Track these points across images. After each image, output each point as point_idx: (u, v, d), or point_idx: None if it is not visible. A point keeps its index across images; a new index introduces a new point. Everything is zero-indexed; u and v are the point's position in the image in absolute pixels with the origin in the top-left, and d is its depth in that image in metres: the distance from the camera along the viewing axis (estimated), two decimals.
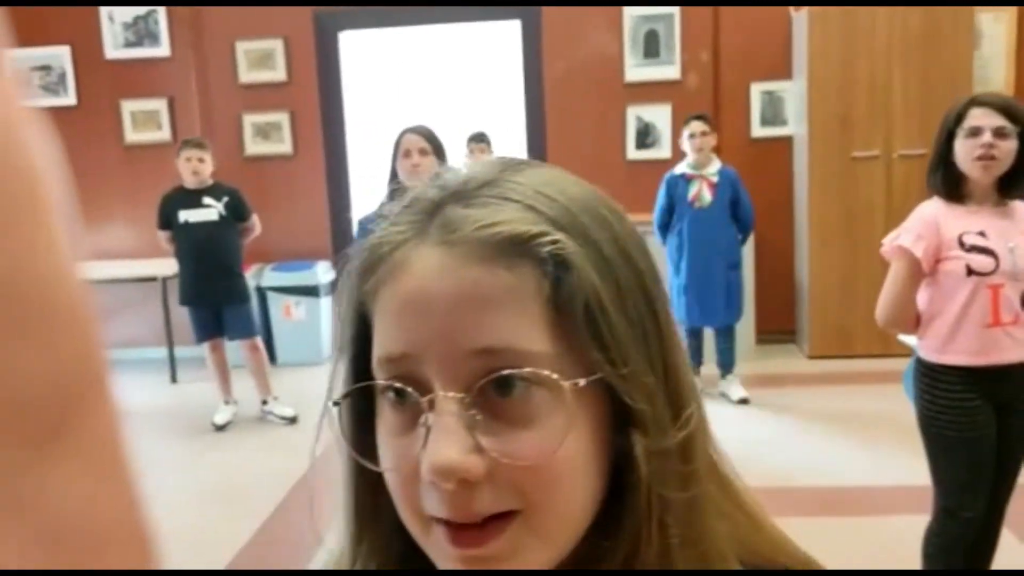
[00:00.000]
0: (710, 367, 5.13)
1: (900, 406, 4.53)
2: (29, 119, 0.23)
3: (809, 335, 5.73)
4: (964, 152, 2.23)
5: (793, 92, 5.86)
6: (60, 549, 0.21)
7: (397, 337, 0.47)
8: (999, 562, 2.54)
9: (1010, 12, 5.72)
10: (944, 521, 2.40)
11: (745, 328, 5.63)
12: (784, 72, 5.87)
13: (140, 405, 5.46)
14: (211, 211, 4.75)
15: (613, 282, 0.49)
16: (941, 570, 2.39)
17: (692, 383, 0.54)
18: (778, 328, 5.99)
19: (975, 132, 2.21)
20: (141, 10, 6.21)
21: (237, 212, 4.86)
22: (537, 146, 6.17)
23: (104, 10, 6.21)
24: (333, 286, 6.16)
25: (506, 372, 0.46)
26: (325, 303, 6.16)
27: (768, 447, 4.31)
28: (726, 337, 5.01)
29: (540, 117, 6.12)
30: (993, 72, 5.78)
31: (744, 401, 4.91)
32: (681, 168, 4.94)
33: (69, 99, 6.36)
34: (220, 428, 4.87)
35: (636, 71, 5.99)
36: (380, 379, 0.49)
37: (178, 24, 6.22)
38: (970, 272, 2.21)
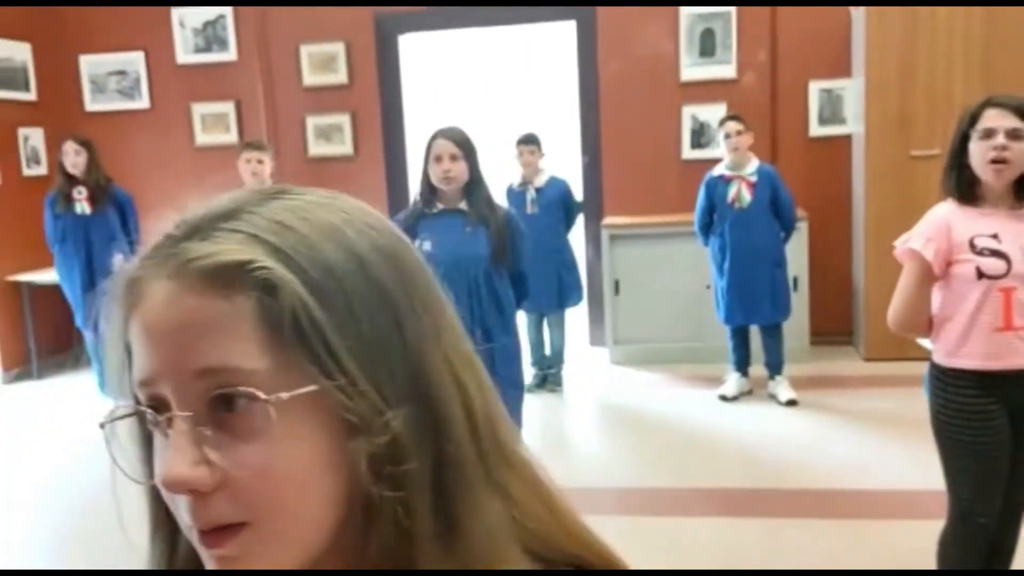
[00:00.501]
0: (758, 368, 5.09)
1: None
2: None
3: (865, 337, 5.63)
4: (978, 154, 2.20)
5: (852, 90, 5.76)
6: None
7: (140, 364, 0.54)
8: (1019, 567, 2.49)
9: None
10: (958, 526, 2.37)
11: (798, 329, 5.57)
12: (843, 70, 5.77)
13: None
14: None
15: (336, 301, 0.53)
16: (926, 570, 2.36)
17: (450, 391, 0.56)
18: (836, 330, 5.90)
19: (989, 134, 2.18)
20: (210, 16, 6.46)
21: None
22: (592, 146, 6.21)
23: (176, 16, 6.47)
24: None
25: (221, 390, 0.51)
26: None
27: (809, 450, 4.28)
28: (773, 337, 4.96)
29: (595, 117, 6.15)
30: None
31: (792, 403, 4.86)
32: (719, 169, 4.92)
33: (143, 103, 6.65)
34: None
35: (692, 70, 5.97)
36: (141, 401, 0.54)
37: (245, 29, 6.45)
38: (981, 275, 2.18)
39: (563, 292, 5.23)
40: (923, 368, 5.38)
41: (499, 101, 6.21)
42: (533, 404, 5.25)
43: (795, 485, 3.89)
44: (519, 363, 3.36)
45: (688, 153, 6.02)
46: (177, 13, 6.49)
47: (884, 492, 3.79)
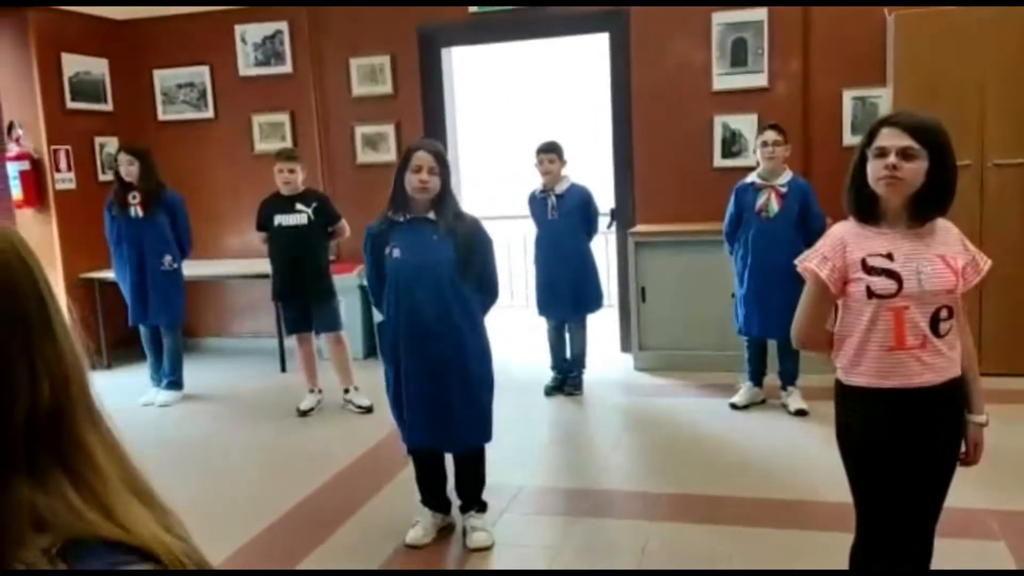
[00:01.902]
0: (774, 377, 5.10)
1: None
2: None
3: None
4: (872, 172, 2.25)
5: (887, 98, 5.67)
6: None
7: None
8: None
9: None
10: (864, 539, 2.42)
11: None
12: (878, 78, 5.70)
13: (250, 390, 6.07)
14: (301, 216, 5.23)
15: None
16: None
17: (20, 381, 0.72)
18: None
19: (882, 153, 2.23)
20: (269, 31, 6.84)
21: (325, 217, 5.31)
22: (623, 154, 6.30)
23: (238, 32, 6.88)
24: None
25: None
26: None
27: (810, 460, 4.28)
28: (788, 348, 4.95)
29: (627, 126, 6.24)
30: None
31: (802, 413, 4.87)
32: (751, 177, 4.95)
33: (208, 113, 7.09)
34: (303, 414, 5.35)
35: (723, 80, 6.00)
36: None
37: (300, 43, 6.80)
38: (871, 295, 2.23)
39: (580, 299, 5.35)
40: None
41: (535, 110, 6.36)
42: (550, 407, 5.40)
43: (790, 495, 3.91)
44: (489, 362, 3.51)
45: (719, 162, 6.05)
46: (239, 29, 6.89)
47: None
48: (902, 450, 2.27)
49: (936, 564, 3.14)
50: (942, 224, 2.33)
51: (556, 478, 4.32)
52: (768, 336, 4.98)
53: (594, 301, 5.42)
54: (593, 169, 6.02)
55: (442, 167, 3.38)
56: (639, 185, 6.28)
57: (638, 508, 3.89)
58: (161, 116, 7.19)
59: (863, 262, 2.25)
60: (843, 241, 2.30)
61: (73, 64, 6.64)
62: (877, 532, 2.38)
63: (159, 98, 7.17)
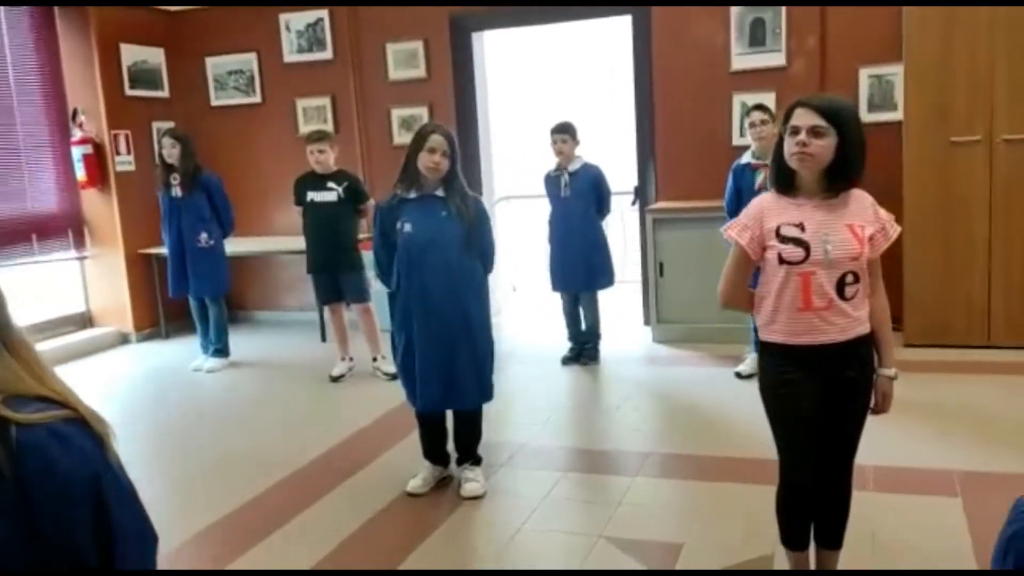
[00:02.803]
0: None
1: (958, 396, 4.59)
2: None
3: (905, 323, 5.66)
4: (786, 149, 2.47)
5: (902, 75, 5.75)
6: None
7: None
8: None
9: None
10: (782, 488, 2.66)
11: None
12: (895, 55, 5.76)
13: (290, 358, 6.50)
14: (332, 194, 5.59)
15: None
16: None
17: None
18: None
19: (794, 131, 2.44)
20: (311, 19, 7.21)
21: (355, 195, 5.66)
22: (646, 134, 6.50)
23: (282, 20, 7.27)
24: None
25: None
26: None
27: None
28: None
29: (649, 105, 6.44)
30: None
31: None
32: (746, 158, 5.12)
33: (256, 98, 7.51)
34: (335, 380, 5.74)
35: (742, 59, 6.15)
36: None
37: (339, 30, 7.15)
38: (781, 261, 2.45)
39: (591, 274, 5.60)
40: (960, 355, 5.42)
41: (563, 91, 6.59)
42: (567, 375, 5.68)
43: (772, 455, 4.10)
44: (490, 330, 3.81)
45: (738, 140, 6.20)
46: (284, 18, 7.28)
47: (866, 466, 3.91)
48: (813, 400, 2.50)
49: (887, 516, 3.36)
50: (856, 194, 2.52)
51: (557, 438, 4.60)
52: None
53: (604, 277, 5.65)
54: (617, 148, 6.22)
55: (452, 150, 3.66)
56: (661, 163, 6.47)
57: (627, 465, 4.14)
58: (213, 101, 7.64)
59: (777, 231, 2.47)
60: (762, 211, 2.53)
61: (131, 54, 7.12)
62: (795, 476, 2.61)
63: (211, 84, 7.63)
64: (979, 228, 5.40)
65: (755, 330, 5.21)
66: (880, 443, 4.10)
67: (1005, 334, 5.43)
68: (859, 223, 2.46)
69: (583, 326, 5.85)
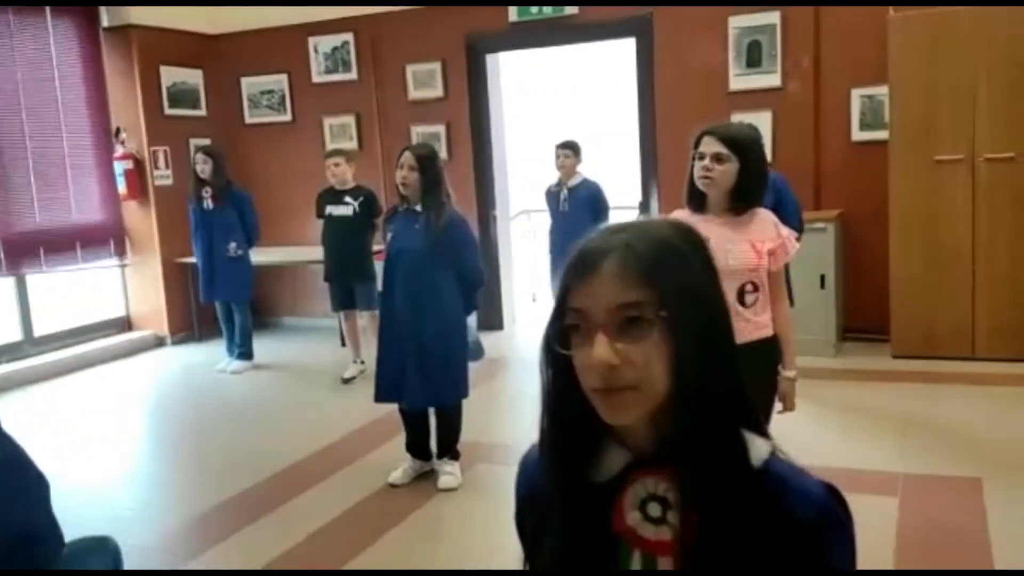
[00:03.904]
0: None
1: (928, 405, 4.80)
2: None
3: (892, 334, 5.84)
4: (695, 172, 2.76)
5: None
6: None
7: None
8: None
9: None
10: None
11: (825, 324, 5.89)
12: (884, 76, 5.95)
13: (309, 362, 6.90)
14: (348, 207, 5.99)
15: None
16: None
17: None
18: (874, 327, 6.11)
19: (701, 156, 2.73)
20: (337, 42, 7.65)
21: (370, 209, 6.05)
22: (649, 150, 6.77)
23: (311, 44, 7.72)
24: None
25: None
26: None
27: (772, 427, 4.69)
28: None
29: (652, 124, 6.71)
30: None
31: None
32: None
33: (287, 116, 7.97)
34: (346, 381, 6.11)
35: (740, 80, 6.39)
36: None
37: (363, 52, 7.57)
38: None
39: None
40: (944, 366, 5.58)
41: (574, 110, 6.90)
42: None
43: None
44: (450, 339, 4.06)
45: None
46: (312, 41, 7.73)
47: (833, 469, 4.14)
48: None
49: None
50: (761, 213, 2.80)
51: None
52: None
53: None
54: (623, 164, 6.51)
55: (423, 165, 3.99)
56: (663, 179, 6.73)
57: None
58: (247, 119, 8.12)
59: None
60: None
61: (170, 75, 7.63)
62: None
63: (245, 103, 8.11)
64: (962, 244, 5.56)
65: None
66: (837, 446, 4.36)
67: (988, 347, 5.58)
68: (759, 239, 2.74)
69: None
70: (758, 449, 1.08)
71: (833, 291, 5.91)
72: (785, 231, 2.81)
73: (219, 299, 6.61)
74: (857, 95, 6.12)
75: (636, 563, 1.09)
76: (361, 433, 5.07)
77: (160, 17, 7.48)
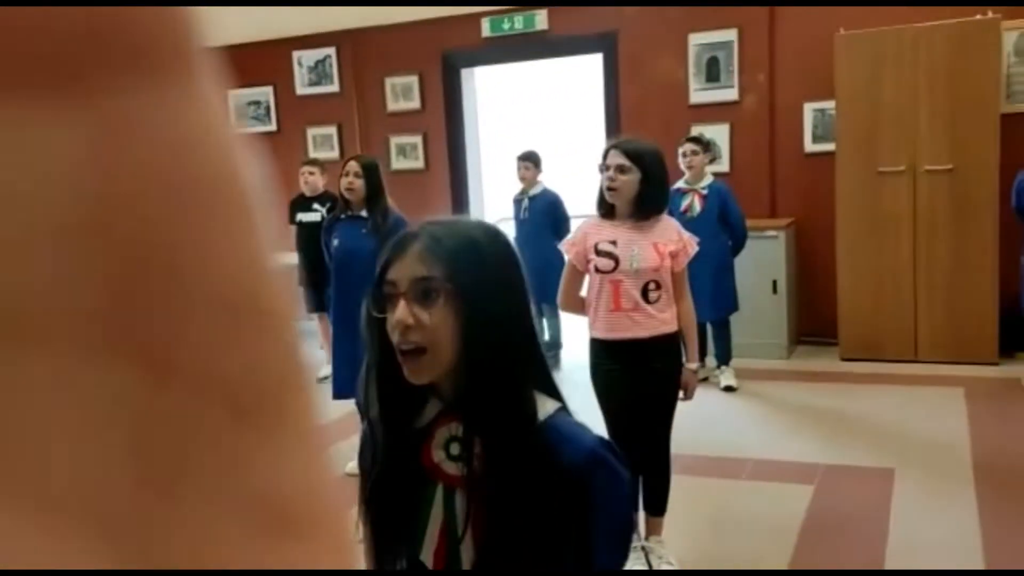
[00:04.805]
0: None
1: (863, 404, 5.06)
2: (236, 132, 0.21)
3: (840, 338, 6.11)
4: (602, 183, 3.05)
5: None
6: (271, 526, 0.20)
7: None
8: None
9: None
10: None
11: (777, 329, 6.18)
12: (833, 91, 6.24)
13: None
14: (316, 214, 6.28)
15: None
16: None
17: None
18: (824, 331, 6.38)
19: (607, 168, 3.02)
20: (320, 56, 7.96)
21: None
22: None
23: (295, 57, 8.04)
24: None
25: None
26: None
27: (717, 424, 4.97)
28: (720, 331, 5.65)
29: (616, 135, 6.99)
30: None
31: (730, 388, 5.53)
32: (679, 184, 5.66)
33: (272, 126, 8.29)
34: (321, 380, 6.38)
35: (699, 94, 6.69)
36: None
37: (345, 66, 7.89)
38: (597, 270, 3.02)
39: (544, 290, 6.15)
40: (888, 368, 5.83)
41: (540, 121, 7.21)
42: None
43: (701, 452, 4.58)
44: None
45: None
46: (296, 54, 8.04)
47: (764, 461, 4.37)
48: (627, 386, 3.05)
49: (747, 497, 3.87)
50: (665, 220, 3.09)
51: None
52: (698, 319, 5.64)
53: (554, 293, 6.22)
54: (592, 175, 6.79)
55: (367, 173, 4.31)
56: None
57: None
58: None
59: (595, 246, 3.04)
60: (585, 231, 3.11)
61: None
62: (618, 449, 3.15)
63: (232, 115, 8.40)
64: (905, 251, 5.83)
65: (715, 344, 5.75)
66: (773, 440, 4.64)
67: (931, 350, 5.85)
68: (662, 242, 3.02)
69: (546, 336, 6.41)
70: (544, 406, 1.37)
71: (785, 296, 6.18)
72: (687, 236, 3.10)
73: None
74: (809, 109, 6.40)
75: (439, 494, 1.38)
76: (330, 426, 5.34)
77: None
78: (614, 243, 3.02)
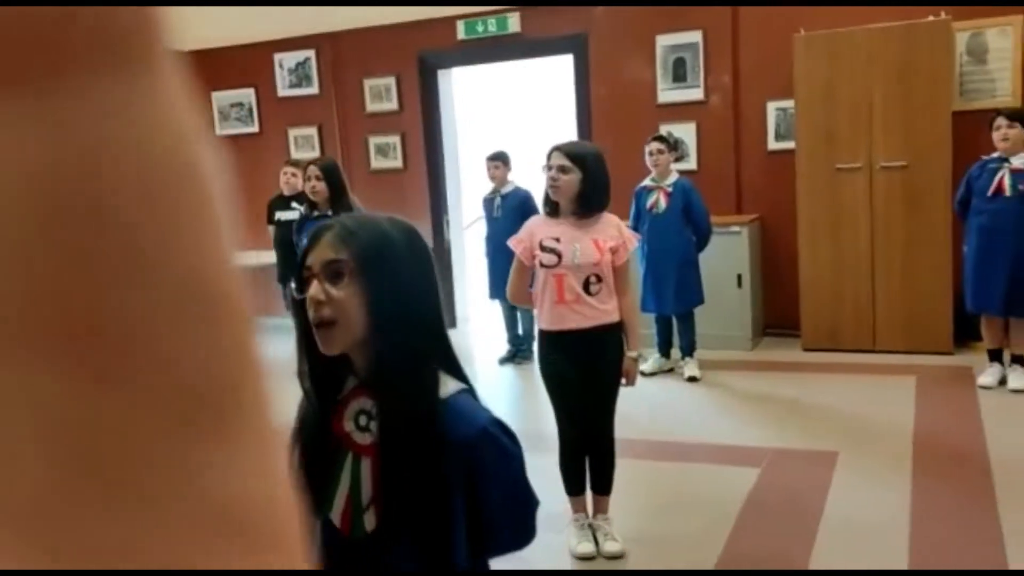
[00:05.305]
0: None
1: (819, 392, 5.26)
2: (197, 126, 0.24)
3: (802, 330, 6.32)
4: (545, 182, 3.24)
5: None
6: (221, 532, 0.20)
7: None
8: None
9: (1015, 27, 5.89)
10: (560, 442, 3.40)
11: (741, 321, 6.38)
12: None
13: (271, 357, 7.37)
14: (295, 213, 6.45)
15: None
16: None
17: None
18: (788, 323, 6.58)
19: (549, 168, 3.21)
20: (301, 58, 8.14)
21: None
22: None
23: (276, 60, 8.22)
24: None
25: None
26: None
27: (677, 412, 5.17)
28: (685, 324, 5.85)
29: (588, 134, 7.19)
30: (1000, 84, 5.98)
31: (693, 379, 5.73)
32: (646, 181, 5.86)
33: (254, 127, 8.47)
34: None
35: (667, 94, 6.88)
36: None
37: (324, 68, 8.07)
38: (543, 265, 3.21)
39: None
40: (848, 358, 6.02)
41: (519, 123, 7.39)
42: (500, 372, 6.46)
43: (659, 438, 4.79)
44: None
45: None
46: (278, 57, 8.22)
47: (717, 446, 4.56)
48: (572, 374, 3.24)
49: (688, 481, 4.07)
50: (606, 217, 3.28)
51: (535, 422, 5.35)
52: (664, 311, 5.86)
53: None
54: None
55: (327, 175, 4.52)
56: None
57: (534, 443, 4.90)
58: (218, 131, 8.61)
59: (540, 243, 3.23)
60: (531, 229, 3.30)
61: None
62: (565, 432, 3.35)
63: (216, 115, 8.60)
64: (863, 245, 6.04)
65: (658, 334, 5.96)
66: (729, 427, 4.84)
67: (888, 339, 6.05)
68: (603, 238, 3.22)
69: (519, 330, 6.61)
70: (446, 386, 1.56)
71: (749, 290, 6.38)
72: (627, 232, 3.30)
73: None
74: (772, 108, 6.60)
75: (348, 461, 1.57)
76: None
77: None
78: (557, 239, 3.21)
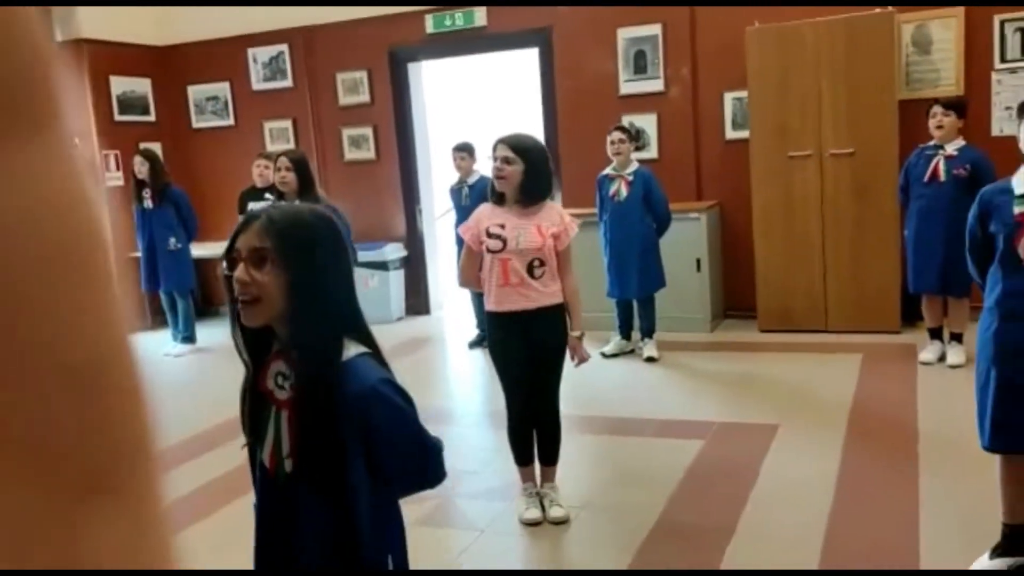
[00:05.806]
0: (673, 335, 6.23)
1: (770, 370, 5.51)
2: (92, 191, 0.21)
3: (759, 310, 6.58)
4: (491, 173, 3.47)
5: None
6: None
7: None
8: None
9: (957, 19, 6.14)
10: (509, 416, 3.64)
11: (701, 304, 6.63)
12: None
13: None
14: (266, 204, 6.66)
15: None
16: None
17: None
18: (746, 305, 6.84)
19: (495, 159, 3.44)
20: (274, 52, 8.33)
21: None
22: (551, 148, 7.47)
23: (250, 54, 8.40)
24: (402, 262, 7.82)
25: None
26: (394, 275, 7.93)
27: (634, 390, 5.42)
28: (645, 307, 6.10)
29: (553, 125, 7.43)
30: (944, 75, 6.24)
31: (651, 359, 5.98)
32: (607, 170, 6.09)
33: (229, 121, 8.65)
34: None
35: (628, 85, 7.11)
36: None
37: (297, 62, 8.26)
38: (489, 251, 3.44)
39: None
40: (800, 338, 6.27)
41: (488, 114, 7.60)
42: (468, 356, 6.70)
43: (614, 414, 5.03)
44: None
45: None
46: (251, 51, 8.40)
47: (668, 420, 4.80)
48: (519, 352, 3.48)
49: (636, 454, 4.32)
50: (549, 205, 3.52)
51: (445, 401, 5.61)
52: (626, 295, 6.11)
53: None
54: None
55: (295, 167, 4.73)
56: (565, 176, 7.45)
57: (499, 421, 5.15)
58: (194, 124, 8.79)
59: (487, 230, 3.46)
60: (478, 217, 3.53)
61: (120, 84, 8.29)
62: (513, 407, 3.59)
63: (192, 109, 8.78)
64: (814, 229, 6.30)
65: (619, 316, 6.20)
66: (682, 402, 5.08)
67: (839, 320, 6.32)
68: (545, 225, 3.45)
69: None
70: (348, 350, 1.80)
71: (708, 274, 6.63)
72: (568, 219, 3.53)
73: (163, 290, 7.29)
74: (729, 98, 6.84)
75: (272, 413, 1.82)
76: None
77: (110, 31, 8.14)
78: (502, 226, 3.44)
